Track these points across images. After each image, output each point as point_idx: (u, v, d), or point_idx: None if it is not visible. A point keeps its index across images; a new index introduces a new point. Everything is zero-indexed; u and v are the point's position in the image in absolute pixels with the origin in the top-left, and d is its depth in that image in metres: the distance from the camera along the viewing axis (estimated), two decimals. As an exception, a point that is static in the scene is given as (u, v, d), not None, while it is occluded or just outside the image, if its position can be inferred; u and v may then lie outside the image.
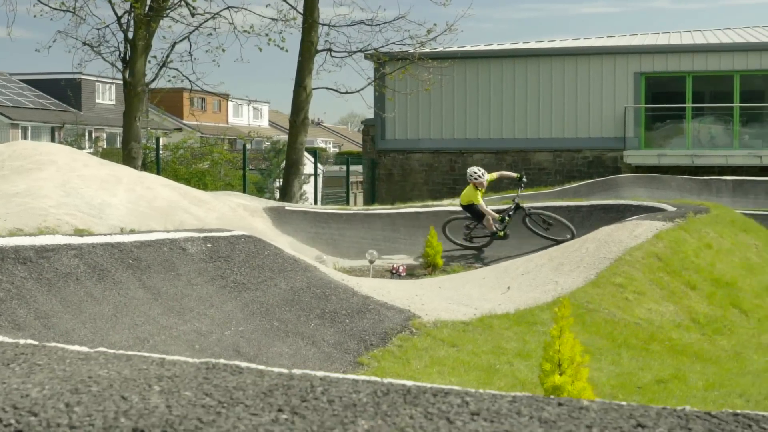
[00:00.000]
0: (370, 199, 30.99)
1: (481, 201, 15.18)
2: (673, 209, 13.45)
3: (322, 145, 69.41)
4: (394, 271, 14.05)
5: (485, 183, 15.22)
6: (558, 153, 30.14)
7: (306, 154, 32.07)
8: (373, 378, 2.35)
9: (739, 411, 1.95)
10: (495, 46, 33.06)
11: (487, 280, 10.54)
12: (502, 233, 15.12)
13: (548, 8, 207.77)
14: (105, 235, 7.85)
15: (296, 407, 2.03)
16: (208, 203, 16.30)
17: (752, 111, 29.93)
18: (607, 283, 9.70)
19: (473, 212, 15.33)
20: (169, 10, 22.12)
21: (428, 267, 14.41)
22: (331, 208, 18.28)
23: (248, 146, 28.41)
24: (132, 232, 8.62)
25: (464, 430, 1.80)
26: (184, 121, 55.23)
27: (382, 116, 28.91)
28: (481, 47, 32.86)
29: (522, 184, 15.99)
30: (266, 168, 30.30)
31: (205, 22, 23.21)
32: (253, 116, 64.10)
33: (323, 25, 23.25)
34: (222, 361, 2.57)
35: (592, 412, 1.87)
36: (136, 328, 6.50)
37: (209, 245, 7.95)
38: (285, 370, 2.46)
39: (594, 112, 29.95)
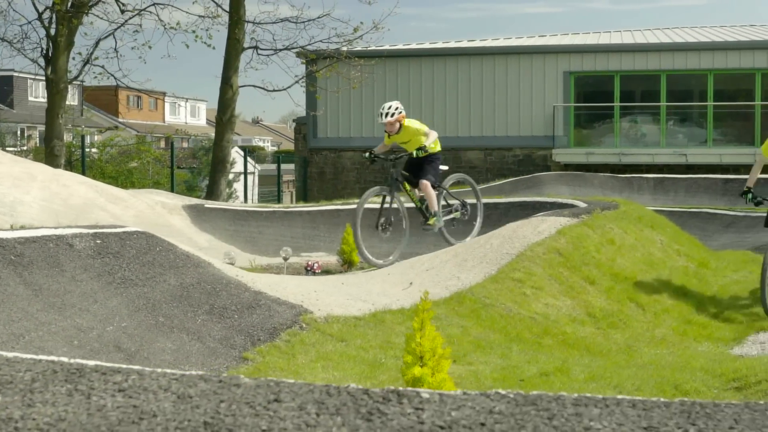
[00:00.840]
0: (302, 197, 30.99)
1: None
2: (584, 206, 13.62)
3: (260, 143, 69.26)
4: (309, 269, 14.04)
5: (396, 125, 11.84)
6: (489, 151, 30.36)
7: (240, 152, 32.04)
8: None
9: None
10: (427, 45, 33.21)
11: (391, 276, 10.59)
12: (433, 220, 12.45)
13: (490, 8, 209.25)
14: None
15: None
16: (126, 201, 16.19)
17: (678, 110, 30.43)
18: (506, 279, 9.80)
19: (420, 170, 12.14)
20: (91, 6, 21.89)
21: (344, 264, 14.44)
22: (250, 206, 18.26)
23: (187, 145, 28.36)
24: (22, 228, 8.53)
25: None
26: (120, 120, 54.85)
27: (312, 114, 28.90)
28: (413, 46, 33.00)
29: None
30: (196, 166, 30.16)
31: (130, 18, 23.05)
32: (191, 114, 63.76)
33: (249, 22, 23.22)
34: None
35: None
36: (12, 324, 6.43)
37: (98, 241, 7.90)
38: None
39: (524, 110, 30.22)
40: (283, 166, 33.19)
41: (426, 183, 12.24)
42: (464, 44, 33.24)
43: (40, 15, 21.18)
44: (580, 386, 6.88)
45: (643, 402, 1.68)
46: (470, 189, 13.86)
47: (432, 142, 12.03)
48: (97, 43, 22.50)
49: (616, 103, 30.10)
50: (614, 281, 10.38)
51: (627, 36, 34.14)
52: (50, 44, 21.17)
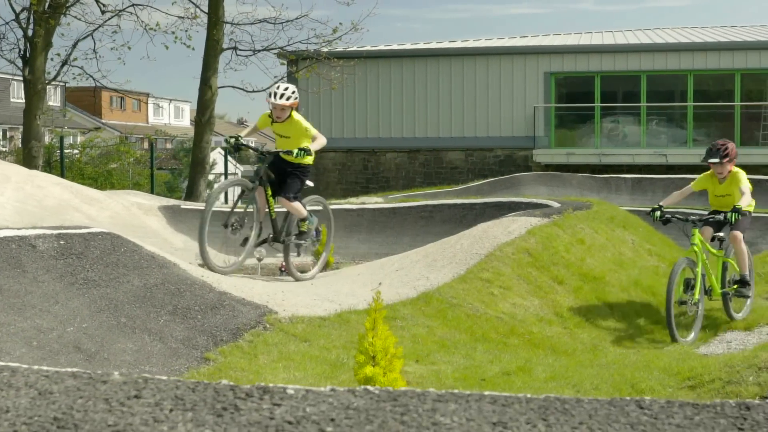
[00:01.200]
0: (284, 198, 30.92)
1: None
2: (558, 206, 13.67)
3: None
4: (283, 269, 14.03)
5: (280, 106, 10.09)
6: (470, 152, 30.40)
7: (223, 153, 31.93)
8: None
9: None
10: (408, 46, 33.24)
11: (361, 277, 10.61)
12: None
13: (476, 9, 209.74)
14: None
15: None
16: (102, 202, 16.15)
17: (658, 111, 30.54)
18: (474, 279, 9.82)
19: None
20: (69, 7, 21.85)
21: (319, 265, 14.44)
22: (227, 207, 18.19)
23: (171, 146, 28.29)
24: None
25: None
26: (103, 120, 54.73)
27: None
28: (395, 47, 33.03)
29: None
30: (177, 167, 30.13)
31: (109, 19, 23.01)
32: (174, 115, 63.65)
33: (227, 23, 23.18)
34: None
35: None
36: (-31, 326, 6.42)
37: (62, 242, 7.88)
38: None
39: (505, 111, 30.28)
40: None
41: (287, 202, 10.63)
42: (445, 45, 33.28)
43: (17, 16, 21.13)
44: (541, 385, 6.91)
45: (505, 398, 1.69)
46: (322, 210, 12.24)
47: (317, 148, 10.26)
48: (75, 44, 22.48)
49: (597, 104, 30.18)
50: (583, 281, 10.41)
51: (608, 37, 34.24)
52: (27, 45, 21.13)
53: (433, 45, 33.47)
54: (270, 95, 10.08)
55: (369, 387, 1.83)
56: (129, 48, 23.83)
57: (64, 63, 22.43)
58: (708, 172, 10.56)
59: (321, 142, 10.42)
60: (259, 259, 14.03)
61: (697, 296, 9.40)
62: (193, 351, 7.18)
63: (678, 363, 6.75)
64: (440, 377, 7.06)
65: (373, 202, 18.00)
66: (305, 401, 1.69)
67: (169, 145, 48.11)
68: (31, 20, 21.20)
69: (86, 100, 50.17)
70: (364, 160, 30.98)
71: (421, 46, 33.30)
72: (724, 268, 10.19)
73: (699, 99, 30.10)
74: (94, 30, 22.80)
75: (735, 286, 10.07)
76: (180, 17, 23.67)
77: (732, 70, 29.68)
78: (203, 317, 7.67)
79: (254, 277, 11.99)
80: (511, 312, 9.34)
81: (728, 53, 29.71)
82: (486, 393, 1.73)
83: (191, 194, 22.88)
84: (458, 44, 33.49)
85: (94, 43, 23.05)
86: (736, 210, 9.58)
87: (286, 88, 10.13)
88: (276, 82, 10.71)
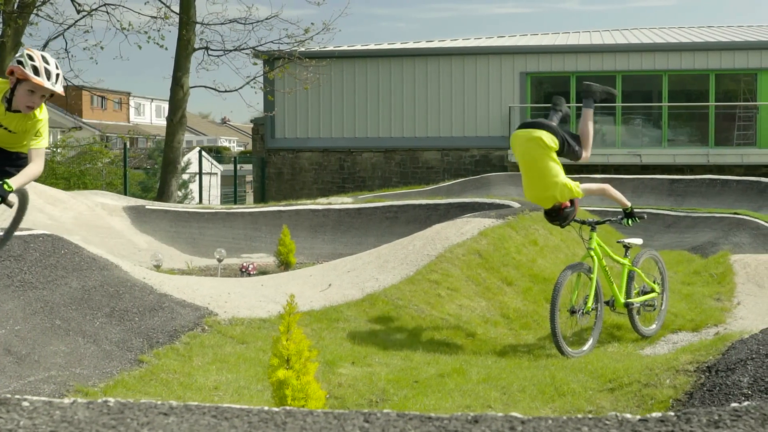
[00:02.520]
0: (260, 198, 30.97)
1: None
2: (518, 206, 13.71)
3: (226, 143, 69.09)
4: (244, 270, 14.06)
5: None
6: (446, 152, 30.43)
7: (206, 153, 31.88)
8: None
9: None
10: (385, 46, 33.26)
11: (312, 278, 10.61)
12: None
13: (461, 8, 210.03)
14: None
15: None
16: (65, 202, 16.15)
17: (633, 111, 30.62)
18: (422, 280, 9.84)
19: None
20: (39, 6, 21.79)
21: (282, 265, 14.46)
22: (192, 207, 18.22)
23: (152, 144, 28.22)
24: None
25: None
26: (84, 120, 54.61)
27: (269, 115, 28.91)
28: (371, 46, 33.05)
29: None
30: (151, 167, 30.07)
31: (80, 19, 22.97)
32: (156, 114, 63.52)
33: (199, 23, 23.16)
34: None
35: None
36: None
37: (0, 244, 7.88)
38: None
39: (481, 111, 30.31)
40: (246, 167, 33.10)
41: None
42: (422, 45, 33.30)
43: (-15, 16, 21.08)
44: (473, 387, 6.94)
45: (230, 410, 1.72)
46: None
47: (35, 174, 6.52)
48: (46, 44, 22.46)
49: (572, 104, 30.20)
50: (532, 282, 10.44)
51: (584, 37, 34.31)
52: (-4, 45, 21.07)
53: (410, 45, 33.49)
54: (42, 75, 6.17)
55: (109, 399, 1.85)
56: (102, 48, 23.85)
57: (34, 63, 22.34)
58: None
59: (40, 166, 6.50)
60: (219, 260, 14.07)
61: (590, 304, 8.73)
62: (127, 353, 7.19)
63: (604, 365, 6.78)
64: (373, 379, 7.08)
65: (340, 202, 18.02)
66: (28, 414, 1.71)
67: (150, 144, 47.99)
68: (0, 20, 21.15)
69: (69, 99, 50.05)
70: (340, 160, 30.99)
71: (397, 45, 33.31)
72: (630, 278, 9.35)
73: (674, 99, 30.20)
74: (65, 30, 22.77)
75: (642, 298, 9.37)
76: (153, 17, 23.66)
77: (707, 70, 29.78)
78: (141, 319, 7.68)
79: (214, 277, 12.03)
80: (456, 313, 9.36)
81: (703, 54, 29.81)
82: (208, 405, 1.75)
83: (163, 194, 22.86)
84: (434, 44, 33.52)
85: (66, 43, 23.22)
86: (630, 215, 9.38)
87: (59, 74, 6.39)
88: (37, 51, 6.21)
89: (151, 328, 7.59)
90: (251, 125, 34.45)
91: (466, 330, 9.04)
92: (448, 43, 33.56)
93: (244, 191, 39.41)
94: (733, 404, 1.79)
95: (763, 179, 22.18)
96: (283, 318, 5.39)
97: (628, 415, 1.70)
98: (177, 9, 22.85)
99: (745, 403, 1.82)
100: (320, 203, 17.96)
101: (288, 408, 1.74)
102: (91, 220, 15.68)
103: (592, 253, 9.01)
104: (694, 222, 17.43)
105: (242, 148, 71.68)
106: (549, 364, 7.96)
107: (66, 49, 23.10)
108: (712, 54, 29.84)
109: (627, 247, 9.59)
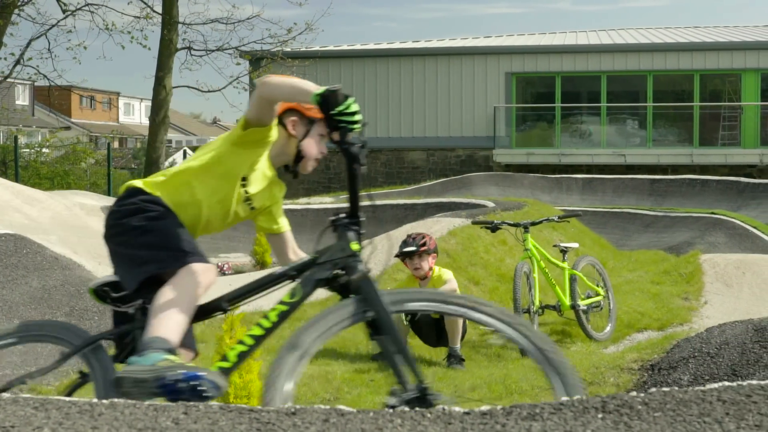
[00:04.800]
0: (246, 197, 30.98)
1: None
2: (492, 206, 13.77)
3: (216, 143, 68.86)
4: (218, 269, 14.09)
5: None
6: (431, 152, 30.48)
7: (192, 153, 31.65)
8: None
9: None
10: (371, 46, 33.33)
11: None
12: None
13: (452, 8, 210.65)
14: None
15: None
16: (43, 202, 16.13)
17: (618, 111, 30.71)
18: (389, 279, 9.88)
19: None
20: (21, 6, 21.82)
21: (257, 265, 14.49)
22: (170, 207, 18.22)
23: (141, 145, 28.27)
24: None
25: None
26: (73, 120, 54.56)
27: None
28: (357, 46, 33.11)
29: None
30: (136, 167, 30.10)
31: (63, 18, 22.99)
32: (145, 115, 63.43)
33: (181, 23, 23.19)
34: None
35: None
36: None
37: (-39, 244, 7.92)
38: None
39: (466, 111, 30.37)
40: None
41: None
42: (408, 45, 33.37)
43: (-34, 16, 21.09)
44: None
45: (51, 402, 1.77)
46: None
47: None
48: (29, 44, 22.49)
49: (557, 104, 30.32)
50: (500, 281, 10.48)
51: (570, 37, 34.39)
52: (-23, 45, 21.12)
53: (396, 45, 33.56)
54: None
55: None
56: (85, 48, 23.85)
57: (17, 62, 22.42)
58: (408, 276, 8.67)
59: None
60: (194, 260, 14.08)
61: (537, 303, 8.84)
62: (84, 352, 7.21)
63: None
64: (329, 378, 7.12)
65: (319, 202, 18.05)
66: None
67: (139, 145, 48.01)
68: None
69: (55, 99, 50.02)
70: (325, 160, 30.99)
71: (383, 46, 33.38)
72: (572, 280, 9.26)
73: (659, 99, 30.30)
74: (48, 29, 22.80)
75: (588, 301, 9.31)
76: (136, 17, 23.70)
77: (691, 70, 29.88)
78: (100, 318, 7.71)
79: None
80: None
81: (688, 54, 29.90)
82: (36, 398, 1.79)
83: (145, 194, 22.84)
84: (420, 44, 33.59)
85: (49, 43, 23.05)
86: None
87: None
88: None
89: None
90: (239, 125, 34.39)
91: (429, 329, 9.07)
92: (434, 43, 33.63)
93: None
94: (563, 398, 1.83)
95: (742, 179, 22.30)
96: (227, 317, 5.43)
97: (456, 409, 1.74)
98: (159, 9, 22.88)
99: (576, 397, 1.86)
100: (299, 203, 17.99)
101: (110, 401, 1.78)
102: (69, 220, 15.67)
103: (530, 253, 8.99)
104: (672, 222, 17.51)
105: (232, 148, 71.31)
106: (507, 363, 8.01)
107: (49, 49, 23.11)
108: (697, 54, 29.94)
109: (564, 251, 9.54)
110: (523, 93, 31.29)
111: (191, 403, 1.72)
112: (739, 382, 1.78)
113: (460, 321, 8.00)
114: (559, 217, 9.76)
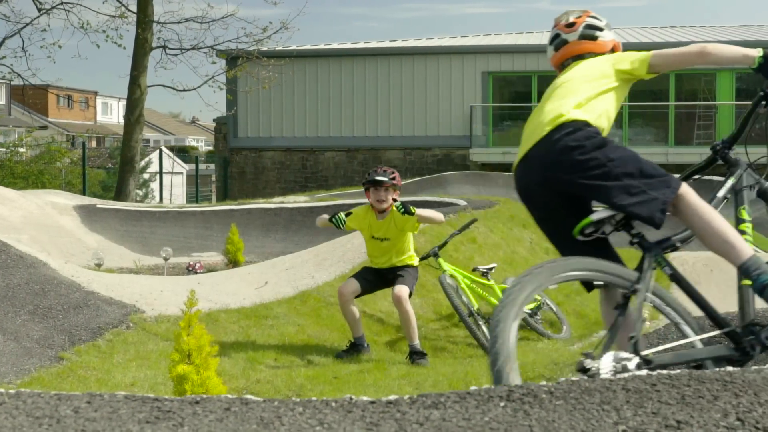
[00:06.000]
0: (223, 197, 30.94)
1: None
2: (464, 204, 13.81)
3: (194, 143, 68.97)
4: (190, 268, 14.07)
5: None
6: (408, 151, 30.51)
7: (168, 152, 31.80)
8: None
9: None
10: (348, 45, 33.34)
11: (250, 276, 10.64)
12: None
13: (433, 8, 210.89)
14: None
15: None
16: (15, 201, 16.08)
17: (594, 110, 30.79)
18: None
19: None
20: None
21: (230, 263, 14.48)
22: (143, 206, 18.21)
23: (118, 144, 28.06)
24: None
25: None
26: (50, 119, 54.30)
27: (232, 114, 28.93)
28: (334, 45, 33.10)
29: None
30: (112, 166, 30.01)
31: (38, 17, 22.92)
32: (123, 114, 63.23)
33: (156, 22, 23.14)
34: None
35: None
36: None
37: (-76, 242, 7.88)
38: None
39: (443, 110, 30.42)
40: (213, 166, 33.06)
41: None
42: (385, 44, 33.40)
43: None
44: (390, 382, 7.01)
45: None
46: None
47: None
48: (2, 42, 22.41)
49: (534, 103, 30.33)
50: (468, 280, 10.50)
51: (547, 36, 34.44)
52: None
53: (373, 44, 33.57)
54: None
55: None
56: (60, 47, 23.76)
57: (-11, 61, 22.35)
58: (364, 205, 8.49)
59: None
60: (166, 258, 14.07)
61: (476, 306, 8.95)
62: (47, 350, 7.20)
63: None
64: (293, 375, 7.14)
65: (293, 201, 18.05)
66: None
67: (116, 144, 47.78)
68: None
69: (32, 98, 49.77)
70: (302, 159, 31.02)
71: (360, 45, 33.39)
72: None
73: (634, 99, 30.39)
74: (22, 28, 22.72)
75: (529, 305, 9.22)
76: (111, 16, 23.64)
77: (667, 70, 29.98)
78: (64, 317, 7.69)
79: (149, 276, 12.02)
80: (388, 310, 9.42)
81: (663, 53, 29.99)
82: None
83: (120, 193, 22.82)
84: (397, 43, 33.61)
85: (23, 41, 22.95)
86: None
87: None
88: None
89: (75, 326, 7.60)
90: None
91: (396, 327, 9.11)
92: (410, 43, 33.65)
93: (210, 191, 39.36)
94: (472, 387, 1.86)
95: (715, 178, 22.32)
96: (185, 314, 5.45)
97: (363, 398, 1.76)
98: (134, 8, 22.83)
99: (484, 386, 1.89)
100: (273, 202, 17.99)
101: (16, 391, 1.79)
102: (41, 219, 15.63)
103: (449, 273, 8.98)
104: (645, 220, 17.57)
105: (210, 148, 71.53)
106: (472, 360, 8.05)
107: (23, 48, 23.03)
108: (673, 54, 30.05)
109: (485, 273, 9.60)
110: (499, 92, 31.36)
111: (97, 392, 1.73)
112: (649, 372, 1.80)
113: (413, 317, 8.08)
114: (459, 230, 9.76)
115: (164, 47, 23.45)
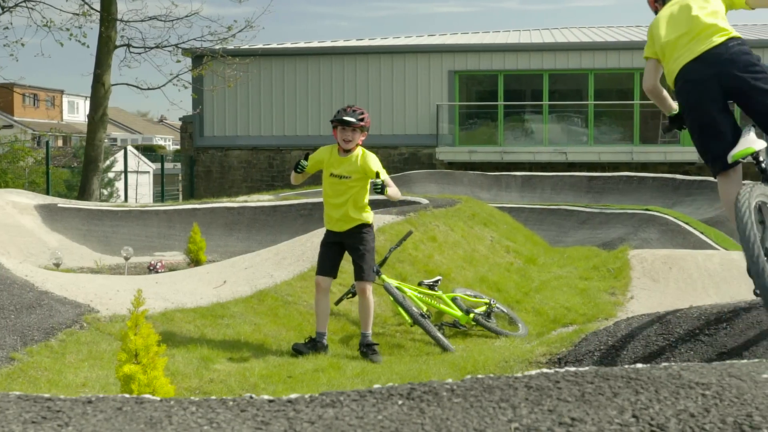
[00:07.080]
0: (189, 196, 30.83)
1: None
2: (426, 202, 13.81)
3: (162, 142, 68.61)
4: (151, 268, 14.01)
5: None
6: (374, 150, 30.33)
7: (134, 151, 31.54)
8: None
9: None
10: (314, 44, 33.30)
11: (209, 275, 10.60)
12: None
13: (403, 7, 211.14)
14: None
15: None
16: (-26, 200, 15.96)
17: (560, 109, 30.95)
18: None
19: None
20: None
21: (192, 263, 14.43)
22: (105, 205, 18.10)
23: (82, 143, 27.82)
24: None
25: None
26: (15, 118, 53.85)
27: (198, 113, 28.80)
28: (301, 44, 33.05)
29: None
30: (77, 165, 29.80)
31: (0, 15, 22.70)
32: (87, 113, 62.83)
33: (120, 20, 23.01)
34: None
35: None
36: None
37: None
38: None
39: (410, 109, 30.45)
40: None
41: None
42: (351, 43, 33.39)
43: None
44: (345, 381, 7.01)
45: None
46: None
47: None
48: (-37, 41, 22.21)
49: (500, 102, 30.49)
50: (427, 277, 10.51)
51: (513, 36, 34.62)
52: None
53: (339, 43, 33.56)
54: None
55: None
56: (22, 45, 23.54)
57: (-50, 60, 22.14)
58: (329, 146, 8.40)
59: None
60: (126, 258, 13.99)
61: (424, 308, 8.95)
62: (-2, 351, 7.12)
63: (467, 358, 6.88)
64: (246, 374, 7.11)
65: (256, 200, 18.00)
66: None
67: (82, 143, 47.46)
68: None
69: (-3, 97, 49.44)
70: (269, 158, 30.95)
71: (326, 44, 33.37)
72: (455, 299, 9.40)
73: (600, 98, 30.59)
74: (-18, 27, 22.55)
75: (480, 307, 9.43)
76: (74, 14, 23.47)
77: (632, 69, 30.18)
78: (17, 317, 7.62)
79: (106, 275, 11.95)
80: (346, 309, 9.42)
81: (628, 52, 30.20)
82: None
83: (84, 192, 22.66)
84: (363, 42, 33.61)
85: (-16, 40, 22.77)
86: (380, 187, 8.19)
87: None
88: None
89: (27, 326, 7.53)
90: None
91: (354, 325, 9.10)
92: (377, 42, 33.65)
93: (177, 190, 39.19)
94: (375, 385, 1.85)
95: (678, 176, 22.58)
96: (132, 314, 5.41)
97: (263, 396, 1.75)
98: (98, 6, 22.69)
99: (388, 385, 1.89)
100: (236, 201, 17.94)
101: None
102: (0, 219, 15.51)
103: (395, 286, 8.92)
104: (607, 218, 17.69)
105: (178, 146, 71.19)
106: (428, 358, 8.05)
107: (-15, 46, 22.87)
108: (637, 53, 30.19)
109: (432, 286, 9.53)
110: (466, 91, 31.43)
111: (3, 393, 1.72)
112: (557, 369, 1.80)
113: (372, 307, 8.09)
114: (397, 244, 9.75)
115: (128, 45, 23.32)
